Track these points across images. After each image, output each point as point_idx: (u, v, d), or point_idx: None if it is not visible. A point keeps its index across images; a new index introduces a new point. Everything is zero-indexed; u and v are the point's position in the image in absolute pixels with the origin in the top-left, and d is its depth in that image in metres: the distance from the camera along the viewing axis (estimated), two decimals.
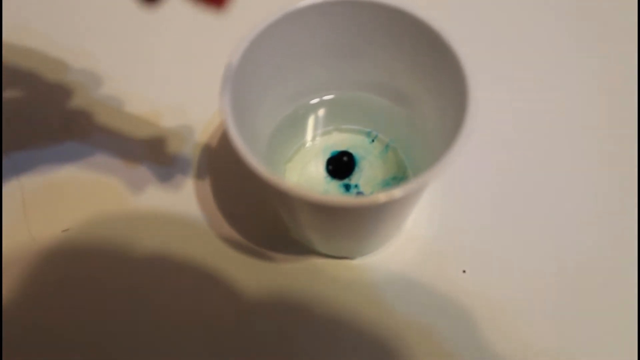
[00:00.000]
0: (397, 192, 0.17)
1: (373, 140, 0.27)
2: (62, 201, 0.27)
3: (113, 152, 0.29)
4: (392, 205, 0.18)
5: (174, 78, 0.31)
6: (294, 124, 0.26)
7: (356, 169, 0.26)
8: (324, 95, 0.25)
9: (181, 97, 0.30)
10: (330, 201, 0.17)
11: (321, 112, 0.26)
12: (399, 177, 0.26)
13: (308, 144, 0.27)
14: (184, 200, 0.27)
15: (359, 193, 0.25)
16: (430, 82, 0.22)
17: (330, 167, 0.26)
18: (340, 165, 0.26)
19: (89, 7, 0.34)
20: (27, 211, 0.27)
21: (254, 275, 0.25)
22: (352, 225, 0.20)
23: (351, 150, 0.26)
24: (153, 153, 0.28)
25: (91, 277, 0.26)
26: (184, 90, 0.30)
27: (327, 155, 0.26)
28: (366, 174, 0.26)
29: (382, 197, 0.17)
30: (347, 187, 0.26)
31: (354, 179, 0.26)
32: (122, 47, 0.32)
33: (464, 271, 0.25)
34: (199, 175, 0.28)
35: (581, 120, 0.29)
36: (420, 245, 0.26)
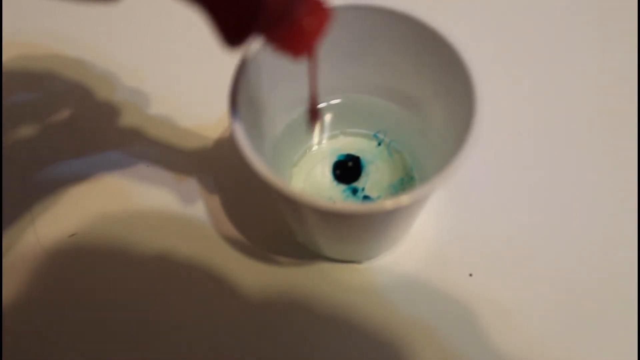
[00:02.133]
0: (404, 198, 0.17)
1: (379, 144, 0.27)
2: (68, 203, 0.27)
3: (122, 154, 0.29)
4: (399, 211, 0.18)
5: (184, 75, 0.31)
6: (300, 128, 0.26)
7: (363, 173, 0.26)
8: (331, 99, 0.25)
9: (192, 97, 0.30)
10: (337, 209, 0.17)
11: (327, 116, 0.26)
12: (405, 180, 0.26)
13: (314, 148, 0.27)
14: (189, 202, 0.27)
15: (366, 197, 0.25)
16: (438, 85, 0.22)
17: (337, 172, 0.26)
18: (347, 170, 0.26)
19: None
20: (34, 213, 0.27)
21: (260, 278, 0.25)
22: (359, 231, 0.21)
23: (357, 154, 0.26)
24: (163, 153, 0.29)
25: (95, 278, 0.26)
26: (196, 88, 0.30)
27: (334, 159, 0.26)
28: (373, 178, 0.26)
29: (389, 204, 0.17)
30: (354, 191, 0.26)
31: (360, 183, 0.26)
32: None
33: (471, 274, 0.25)
34: (205, 175, 0.28)
35: (590, 121, 0.29)
36: (427, 248, 0.26)
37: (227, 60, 0.21)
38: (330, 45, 0.22)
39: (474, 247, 0.26)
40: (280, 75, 0.22)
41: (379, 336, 0.24)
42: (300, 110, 0.25)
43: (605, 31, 0.33)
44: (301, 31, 0.16)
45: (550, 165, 0.28)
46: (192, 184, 0.28)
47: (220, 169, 0.28)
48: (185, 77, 0.31)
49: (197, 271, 0.26)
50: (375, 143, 0.27)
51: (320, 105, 0.25)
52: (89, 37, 0.33)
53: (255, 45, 0.20)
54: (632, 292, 0.25)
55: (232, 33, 0.16)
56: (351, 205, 0.17)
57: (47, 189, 0.28)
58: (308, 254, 0.26)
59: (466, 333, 0.24)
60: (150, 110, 0.30)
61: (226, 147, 0.29)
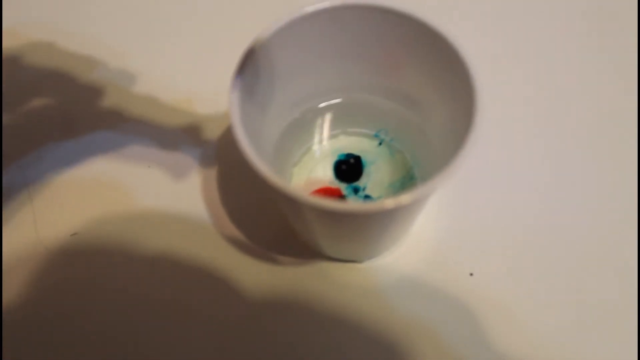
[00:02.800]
0: (405, 198, 0.17)
1: (380, 143, 0.27)
2: (69, 202, 0.28)
3: (119, 149, 0.29)
4: (399, 210, 0.18)
5: (181, 73, 0.31)
6: (301, 128, 0.26)
7: (364, 172, 0.26)
8: (332, 99, 0.25)
9: (189, 92, 0.30)
10: (338, 208, 0.17)
11: (328, 115, 0.26)
12: (406, 179, 0.26)
13: (315, 147, 0.27)
14: (190, 200, 0.27)
15: (367, 197, 0.25)
16: (438, 84, 0.22)
17: (339, 171, 0.26)
18: (348, 169, 0.26)
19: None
20: (35, 212, 0.27)
21: (260, 277, 0.25)
22: (360, 230, 0.21)
23: (359, 154, 0.26)
24: (162, 149, 0.29)
25: (96, 277, 0.26)
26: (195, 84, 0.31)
27: (335, 159, 0.26)
28: (374, 177, 0.26)
29: (389, 203, 0.17)
30: (355, 190, 0.26)
31: (361, 182, 0.26)
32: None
33: (471, 274, 0.25)
34: (206, 175, 0.28)
35: (591, 121, 0.29)
36: (427, 247, 0.26)
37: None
38: (331, 45, 0.22)
39: (474, 247, 0.26)
40: (282, 73, 0.22)
41: (379, 336, 0.24)
42: (301, 109, 0.25)
43: (606, 30, 0.33)
44: None
45: (551, 164, 0.28)
46: (192, 181, 0.28)
47: (222, 165, 0.28)
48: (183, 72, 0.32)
49: (197, 269, 0.26)
50: (376, 142, 0.27)
51: (321, 105, 0.25)
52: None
53: (258, 40, 0.20)
54: (632, 289, 0.25)
55: None
56: (352, 204, 0.17)
57: (47, 186, 0.28)
58: (309, 252, 0.26)
59: (467, 332, 0.24)
60: (154, 94, 0.30)
61: (228, 141, 0.29)
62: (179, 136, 0.29)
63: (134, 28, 0.34)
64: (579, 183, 0.27)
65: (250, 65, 0.20)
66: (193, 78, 0.31)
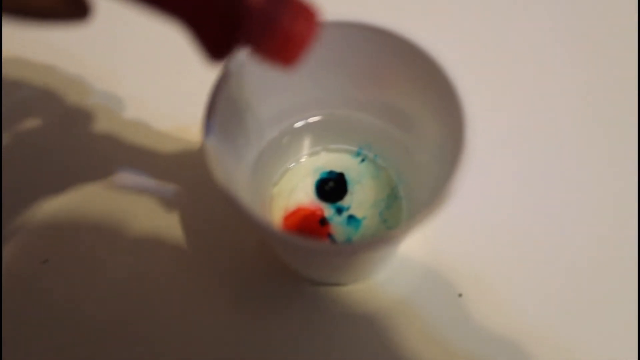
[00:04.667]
0: (395, 232, 0.16)
1: (364, 160, 0.26)
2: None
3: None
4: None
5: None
6: (280, 146, 0.25)
7: (347, 191, 0.25)
8: (313, 116, 0.24)
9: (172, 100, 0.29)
10: (319, 248, 0.16)
11: (309, 132, 0.25)
12: (391, 198, 0.25)
13: (295, 166, 0.26)
14: (169, 226, 0.26)
15: (351, 217, 0.24)
16: (424, 101, 0.21)
17: (321, 190, 0.25)
18: (332, 189, 0.25)
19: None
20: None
21: (240, 302, 0.24)
22: (342, 264, 0.20)
23: (341, 171, 0.25)
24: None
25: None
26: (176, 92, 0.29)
27: (316, 177, 0.25)
28: (358, 196, 0.25)
29: (378, 239, 0.16)
30: (339, 211, 0.25)
31: (345, 202, 0.25)
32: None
33: (460, 295, 0.24)
34: (187, 201, 0.27)
35: (581, 139, 0.29)
36: (415, 268, 0.25)
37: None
38: (312, 62, 0.21)
39: (462, 268, 0.25)
40: (258, 92, 0.21)
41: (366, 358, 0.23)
42: (280, 127, 0.24)
43: (603, 38, 0.32)
44: (289, 38, 0.14)
45: (543, 182, 0.27)
46: (175, 211, 0.26)
47: (201, 192, 0.27)
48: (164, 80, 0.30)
49: (176, 292, 0.24)
50: (359, 159, 0.26)
51: (299, 124, 0.24)
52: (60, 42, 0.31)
53: (236, 58, 0.18)
54: (633, 307, 0.24)
55: (216, 46, 0.15)
56: (332, 245, 0.16)
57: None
58: (290, 275, 0.25)
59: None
60: (127, 114, 0.29)
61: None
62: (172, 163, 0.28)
63: (130, 54, 0.32)
64: (572, 202, 0.27)
65: (228, 83, 0.19)
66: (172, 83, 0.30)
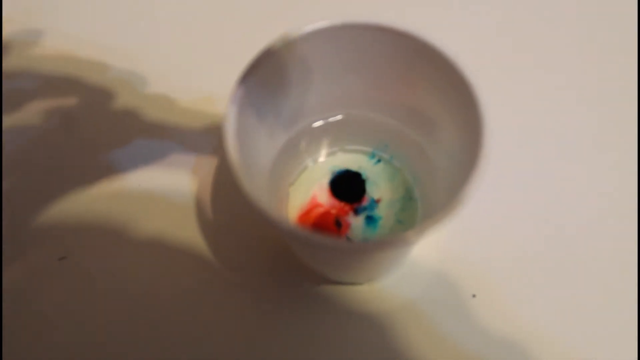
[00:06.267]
0: (410, 234, 0.16)
1: (379, 161, 0.26)
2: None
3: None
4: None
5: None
6: (298, 146, 0.25)
7: (364, 191, 0.25)
8: (331, 116, 0.25)
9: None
10: (334, 244, 0.16)
11: (326, 133, 0.25)
12: (406, 199, 0.25)
13: (312, 166, 0.26)
14: (186, 229, 0.26)
15: (369, 218, 0.25)
16: (445, 104, 0.21)
17: (337, 191, 0.25)
18: (348, 188, 0.25)
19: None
20: None
21: (258, 300, 0.25)
22: (357, 262, 0.20)
23: (358, 171, 0.26)
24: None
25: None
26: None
27: (332, 176, 0.26)
28: (373, 196, 0.25)
29: (394, 239, 0.16)
30: (356, 211, 0.25)
31: (362, 202, 0.25)
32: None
33: (474, 295, 0.25)
34: (203, 207, 0.27)
35: (599, 144, 0.29)
36: (430, 268, 0.25)
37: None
38: (331, 62, 0.22)
39: (476, 268, 0.25)
40: (281, 90, 0.22)
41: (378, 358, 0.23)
42: (299, 127, 0.24)
43: (611, 44, 0.32)
44: None
45: (556, 189, 0.27)
46: (188, 206, 0.27)
47: (218, 195, 0.27)
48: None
49: (192, 291, 0.25)
50: (374, 160, 0.26)
51: (317, 124, 0.25)
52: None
53: (258, 58, 0.19)
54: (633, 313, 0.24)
55: None
56: (347, 242, 0.17)
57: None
58: (307, 274, 0.25)
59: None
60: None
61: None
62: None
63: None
64: (588, 208, 0.27)
65: (250, 83, 0.19)
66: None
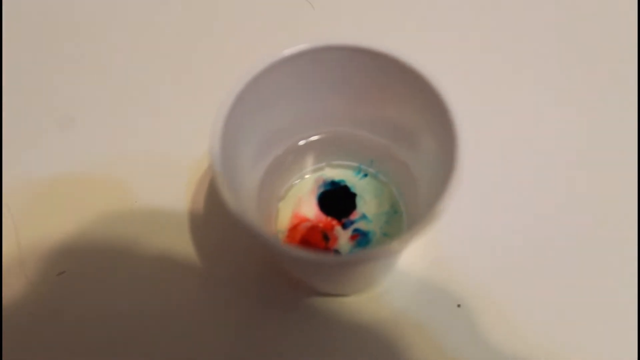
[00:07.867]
0: (394, 245, 0.17)
1: (366, 175, 0.27)
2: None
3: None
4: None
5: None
6: (285, 163, 0.26)
7: (350, 206, 0.26)
8: (316, 134, 0.25)
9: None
10: (316, 259, 0.17)
11: (312, 150, 0.26)
12: (391, 213, 0.26)
13: (300, 181, 0.27)
14: (177, 243, 0.27)
15: (356, 230, 0.25)
16: (423, 121, 0.22)
17: (326, 205, 0.26)
18: (336, 203, 0.26)
19: None
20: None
21: (249, 314, 0.25)
22: (342, 275, 0.21)
23: (344, 183, 0.26)
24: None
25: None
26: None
27: (320, 191, 0.26)
28: (360, 210, 0.26)
29: (377, 251, 0.17)
30: (344, 225, 0.26)
31: (349, 216, 0.26)
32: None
33: (459, 305, 0.25)
34: (197, 224, 0.28)
35: (579, 148, 0.29)
36: (416, 279, 0.26)
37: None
38: (314, 83, 0.22)
39: (461, 278, 0.26)
40: (263, 113, 0.22)
41: None
42: (285, 145, 0.25)
43: (602, 56, 0.33)
44: None
45: (539, 193, 0.28)
46: (177, 219, 0.28)
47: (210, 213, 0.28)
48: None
49: (181, 307, 0.25)
50: (360, 175, 0.27)
51: (303, 142, 0.25)
52: None
53: (243, 80, 0.20)
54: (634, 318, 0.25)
55: None
56: (328, 256, 0.17)
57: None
58: (297, 286, 0.26)
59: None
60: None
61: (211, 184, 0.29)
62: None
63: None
64: (572, 211, 0.27)
65: (234, 110, 0.20)
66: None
